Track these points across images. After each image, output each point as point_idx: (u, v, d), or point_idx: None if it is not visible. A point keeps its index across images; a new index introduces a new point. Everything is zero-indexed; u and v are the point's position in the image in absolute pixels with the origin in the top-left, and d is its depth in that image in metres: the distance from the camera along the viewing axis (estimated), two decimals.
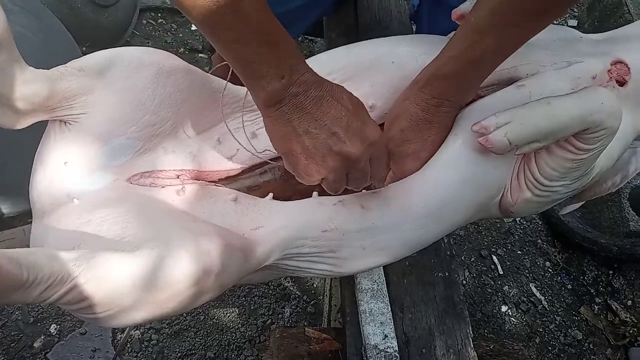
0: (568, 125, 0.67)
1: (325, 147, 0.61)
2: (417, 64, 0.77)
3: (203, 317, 1.47)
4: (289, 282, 1.58)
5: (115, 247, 0.56)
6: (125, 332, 1.37)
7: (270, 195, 0.76)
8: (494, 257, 1.77)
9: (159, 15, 2.06)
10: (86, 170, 0.68)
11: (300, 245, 0.71)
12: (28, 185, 0.71)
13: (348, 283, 0.92)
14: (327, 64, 0.81)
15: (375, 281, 0.89)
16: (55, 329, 1.37)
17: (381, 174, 0.70)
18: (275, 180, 0.81)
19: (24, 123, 0.65)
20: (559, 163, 0.72)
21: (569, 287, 1.78)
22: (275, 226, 0.71)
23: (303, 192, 0.80)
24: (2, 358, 1.29)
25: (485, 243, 1.79)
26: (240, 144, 0.77)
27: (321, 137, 0.61)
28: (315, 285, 1.58)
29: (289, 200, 0.77)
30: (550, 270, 1.80)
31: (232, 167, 0.79)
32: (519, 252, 1.81)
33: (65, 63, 0.68)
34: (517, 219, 1.87)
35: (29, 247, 0.61)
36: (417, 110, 0.72)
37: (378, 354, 0.82)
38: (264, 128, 0.66)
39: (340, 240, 0.71)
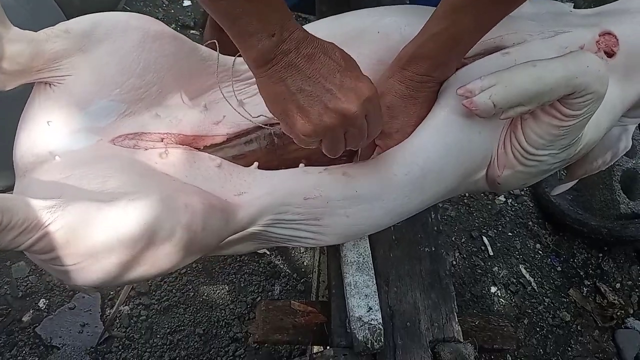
0: (553, 88, 0.66)
1: (320, 105, 0.60)
2: (402, 35, 0.77)
3: (192, 293, 1.47)
4: (279, 259, 1.58)
5: (93, 198, 0.57)
6: (115, 307, 1.37)
7: (256, 164, 0.76)
8: (485, 238, 1.77)
9: None
10: (69, 130, 0.69)
11: (284, 211, 0.71)
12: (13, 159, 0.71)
13: (334, 256, 0.92)
14: (314, 33, 0.80)
15: (361, 254, 0.88)
16: (44, 304, 1.37)
17: (378, 131, 0.68)
18: (260, 150, 0.80)
19: (9, 84, 0.66)
20: (545, 130, 0.72)
21: (559, 269, 1.79)
22: (258, 193, 0.71)
23: (289, 163, 0.80)
24: None
25: (476, 224, 1.80)
26: (231, 105, 0.76)
27: (316, 94, 0.60)
28: (305, 264, 1.59)
29: (274, 167, 0.77)
30: (541, 252, 1.80)
31: (217, 133, 0.79)
32: (509, 233, 1.81)
33: None
34: (509, 200, 1.87)
35: None
36: (402, 88, 0.72)
37: (362, 326, 0.82)
38: (255, 95, 0.66)
39: (324, 208, 0.71)
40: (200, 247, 0.63)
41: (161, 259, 0.60)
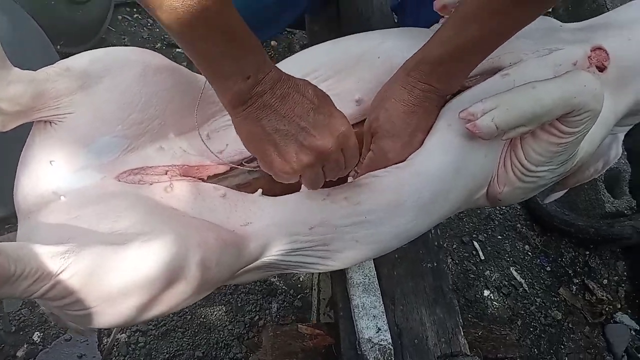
0: (553, 108, 0.68)
1: (296, 143, 0.62)
2: (403, 58, 0.78)
3: (190, 316, 1.45)
4: (274, 277, 1.57)
5: (105, 241, 0.56)
6: (112, 336, 1.34)
7: (259, 191, 0.76)
8: (475, 243, 1.80)
9: (135, 10, 2.01)
10: (72, 168, 0.68)
11: (293, 240, 0.71)
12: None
13: (339, 278, 0.93)
14: (313, 59, 0.81)
15: (366, 275, 0.89)
16: (38, 337, 1.34)
17: (355, 162, 0.69)
18: (264, 177, 0.80)
19: (9, 125, 0.65)
20: (544, 147, 0.74)
21: (548, 269, 1.82)
22: (265, 222, 0.71)
23: (293, 187, 0.80)
24: None
25: (467, 229, 1.82)
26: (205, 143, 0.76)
27: (291, 133, 0.61)
28: (301, 279, 1.58)
29: (279, 195, 0.77)
30: (530, 254, 1.84)
31: (221, 162, 0.79)
32: (499, 237, 1.84)
33: (39, 62, 0.67)
34: None
35: None
36: (404, 93, 0.72)
37: (372, 347, 0.83)
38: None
39: (332, 234, 0.72)
40: (214, 283, 0.63)
41: (176, 297, 0.59)
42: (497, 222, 1.87)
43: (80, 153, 0.68)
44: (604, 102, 0.72)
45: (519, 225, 1.89)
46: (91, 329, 0.65)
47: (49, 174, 0.67)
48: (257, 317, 1.49)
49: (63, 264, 0.51)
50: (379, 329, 0.84)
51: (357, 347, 0.84)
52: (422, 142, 0.74)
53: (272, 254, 0.71)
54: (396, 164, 0.74)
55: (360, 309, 0.86)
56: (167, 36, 1.99)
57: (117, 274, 0.54)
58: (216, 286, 0.66)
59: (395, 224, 0.72)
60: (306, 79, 0.78)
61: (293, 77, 0.62)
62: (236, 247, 0.66)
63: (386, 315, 0.87)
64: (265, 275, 0.80)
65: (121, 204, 0.65)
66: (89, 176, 0.69)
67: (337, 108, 0.65)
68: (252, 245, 0.68)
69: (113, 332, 1.35)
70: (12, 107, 0.61)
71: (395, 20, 1.32)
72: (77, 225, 0.62)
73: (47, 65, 0.66)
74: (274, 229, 0.70)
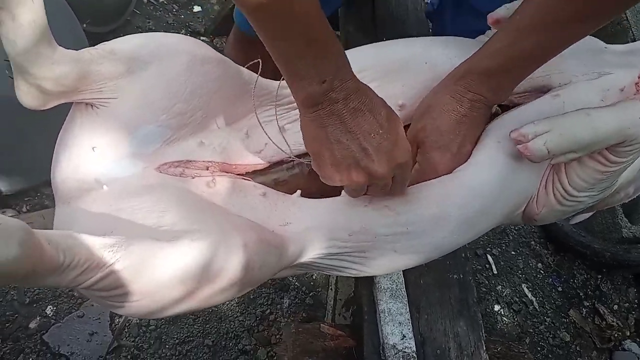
0: (606, 138, 0.68)
1: (352, 160, 0.62)
2: (450, 66, 0.77)
3: None
4: None
5: (152, 236, 0.56)
6: (123, 317, 1.35)
7: (299, 192, 0.76)
8: (489, 257, 1.79)
9: None
10: (115, 157, 0.66)
11: (331, 245, 0.71)
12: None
13: (366, 281, 0.93)
14: (358, 61, 0.79)
15: (394, 281, 0.89)
16: (51, 311, 1.34)
17: (401, 192, 0.70)
18: (302, 175, 0.80)
19: (49, 104, 0.63)
20: (589, 174, 0.74)
21: (559, 289, 1.82)
22: (305, 224, 0.71)
23: (329, 189, 0.80)
24: None
25: (481, 242, 1.82)
26: (270, 140, 0.76)
27: (351, 149, 0.61)
28: (314, 277, 1.58)
29: (317, 195, 0.76)
30: (542, 272, 1.83)
31: (259, 161, 0.78)
32: (512, 252, 1.84)
33: (66, 39, 0.65)
34: None
35: None
36: (452, 102, 0.72)
37: (396, 353, 0.82)
38: (296, 123, 0.65)
39: (372, 242, 0.71)
40: (255, 282, 0.63)
41: (217, 295, 0.59)
42: (511, 238, 1.86)
43: (124, 141, 0.66)
44: None
45: (533, 242, 1.88)
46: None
47: (91, 160, 0.65)
48: (268, 310, 1.49)
49: (112, 257, 0.50)
50: (404, 336, 0.84)
51: (381, 352, 0.84)
52: (470, 154, 0.74)
53: (309, 256, 0.70)
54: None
55: (387, 315, 0.86)
56: (192, 23, 1.99)
57: (164, 270, 0.53)
58: (255, 286, 0.66)
59: (437, 236, 0.72)
60: None
61: (371, 91, 0.62)
62: (278, 249, 0.66)
63: (411, 323, 0.87)
64: (295, 273, 0.80)
65: (167, 198, 0.64)
66: (132, 165, 0.67)
67: (404, 136, 0.64)
68: (292, 247, 0.68)
69: None
70: (55, 87, 0.60)
71: (430, 26, 1.31)
72: (120, 216, 0.61)
73: (73, 43, 0.64)
74: (313, 232, 0.70)
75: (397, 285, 0.89)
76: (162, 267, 0.53)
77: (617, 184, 0.81)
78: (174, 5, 2.03)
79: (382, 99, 0.64)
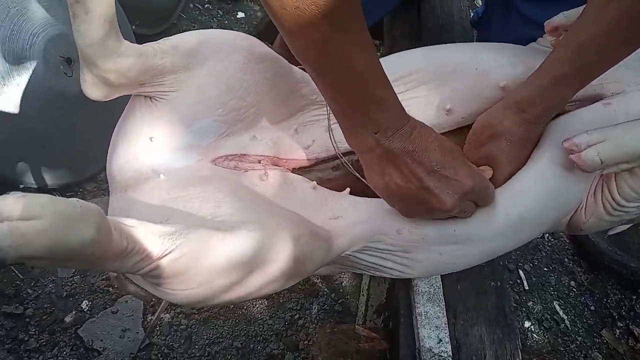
0: None
1: (414, 201, 0.64)
2: (501, 73, 0.78)
3: (232, 306, 1.47)
4: (317, 278, 1.58)
5: (209, 225, 0.57)
6: (156, 314, 1.37)
7: (348, 189, 0.77)
8: (521, 272, 1.77)
9: (206, 0, 2.06)
10: (172, 147, 0.69)
11: (377, 240, 0.71)
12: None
13: (404, 285, 0.93)
14: (411, 62, 0.81)
15: (432, 285, 0.89)
16: (87, 305, 1.37)
17: (469, 215, 0.71)
18: (347, 175, 0.81)
19: (111, 96, 0.65)
20: None
21: (592, 308, 1.77)
22: (355, 219, 0.71)
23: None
24: (34, 330, 1.29)
25: (513, 257, 1.79)
26: (332, 137, 0.77)
27: (412, 191, 0.63)
28: (343, 284, 1.58)
29: (362, 194, 0.77)
30: (575, 290, 1.79)
31: (307, 156, 0.80)
32: (545, 269, 1.81)
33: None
34: (546, 236, 1.87)
35: None
36: (520, 131, 0.72)
37: (432, 357, 0.82)
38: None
39: (418, 243, 0.71)
40: (302, 275, 0.64)
41: (267, 286, 0.60)
42: (544, 254, 1.84)
43: (181, 133, 0.69)
44: None
45: (566, 259, 1.85)
46: (150, 295, 0.65)
47: (148, 150, 0.67)
48: (297, 315, 1.50)
49: (172, 245, 0.52)
50: (441, 340, 0.84)
51: (417, 355, 0.84)
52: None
53: (355, 250, 0.71)
54: None
55: (424, 318, 0.85)
56: (235, 29, 2.03)
57: (222, 259, 0.54)
58: (302, 278, 0.67)
59: (482, 241, 0.72)
60: (400, 81, 0.79)
61: (425, 129, 0.63)
62: (327, 243, 0.66)
63: (447, 328, 0.86)
64: (337, 270, 0.81)
65: (222, 189, 0.65)
66: (188, 157, 0.69)
67: (465, 162, 0.66)
68: (340, 240, 0.69)
69: (157, 311, 1.37)
70: (118, 80, 0.62)
71: (475, 35, 1.32)
72: (177, 206, 0.62)
73: None
74: (363, 226, 0.71)
75: (434, 289, 0.88)
76: (220, 256, 0.54)
77: None
78: (219, 10, 2.09)
79: (436, 132, 0.64)
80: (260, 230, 0.57)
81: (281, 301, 1.51)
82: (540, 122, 0.72)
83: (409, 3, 1.27)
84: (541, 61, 0.71)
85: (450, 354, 0.83)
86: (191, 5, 2.02)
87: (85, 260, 0.45)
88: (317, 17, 0.49)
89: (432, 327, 0.85)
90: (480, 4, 1.30)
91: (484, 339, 0.89)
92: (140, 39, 1.49)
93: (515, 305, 0.94)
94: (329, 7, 0.49)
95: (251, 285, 0.58)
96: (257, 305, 1.49)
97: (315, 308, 1.52)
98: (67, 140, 1.34)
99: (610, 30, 0.62)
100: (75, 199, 0.44)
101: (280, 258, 0.58)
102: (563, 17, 0.77)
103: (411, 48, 0.86)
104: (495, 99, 0.77)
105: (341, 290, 1.57)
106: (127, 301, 1.39)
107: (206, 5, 2.05)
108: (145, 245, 0.50)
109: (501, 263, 0.98)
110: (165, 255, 0.52)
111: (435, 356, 0.82)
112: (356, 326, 0.93)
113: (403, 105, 0.61)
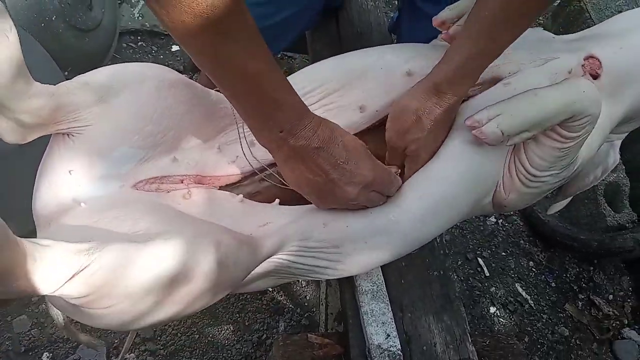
0: (555, 114, 0.72)
1: (322, 192, 0.70)
2: (404, 68, 0.81)
3: (198, 335, 1.46)
4: (281, 295, 1.58)
5: (126, 239, 0.57)
6: (120, 356, 1.34)
7: (277, 200, 0.79)
8: (480, 260, 1.81)
9: (139, 38, 2.07)
10: (91, 178, 0.70)
11: (306, 237, 0.74)
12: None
13: (348, 286, 0.94)
14: (319, 74, 0.84)
15: (374, 282, 0.91)
16: (47, 357, 1.34)
17: (380, 203, 0.75)
18: (275, 186, 0.83)
19: (28, 137, 0.66)
20: (547, 152, 0.77)
21: (553, 285, 1.83)
22: (283, 221, 0.75)
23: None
24: None
25: (471, 246, 1.84)
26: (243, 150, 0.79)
27: (319, 183, 0.68)
28: (307, 297, 1.59)
29: (293, 202, 0.79)
30: (534, 270, 1.84)
31: (232, 173, 0.81)
32: (503, 253, 1.85)
33: None
34: (499, 221, 1.92)
35: None
36: (440, 112, 0.73)
37: (382, 353, 0.83)
38: None
39: (343, 233, 0.74)
40: (231, 282, 0.65)
41: (195, 297, 0.61)
42: (500, 239, 1.89)
43: (100, 163, 0.70)
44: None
45: (522, 241, 1.90)
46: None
47: (68, 182, 0.68)
48: (264, 335, 1.50)
49: (87, 260, 0.51)
50: (388, 335, 0.85)
51: (367, 354, 0.85)
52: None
53: (285, 252, 0.73)
54: None
55: (370, 316, 0.87)
56: (170, 63, 2.05)
57: (140, 270, 0.54)
58: (232, 287, 0.68)
59: (402, 227, 0.74)
60: (314, 92, 0.82)
61: (329, 125, 0.67)
62: (252, 246, 0.68)
63: (395, 322, 0.88)
64: (277, 282, 0.82)
65: (141, 208, 0.67)
66: (108, 185, 0.71)
67: (368, 156, 0.70)
68: (268, 242, 0.71)
69: (122, 352, 1.35)
70: (33, 120, 0.63)
71: (394, 39, 1.37)
72: (97, 227, 0.63)
73: None
74: (291, 225, 0.74)
75: (377, 287, 0.90)
76: (137, 267, 0.54)
77: (578, 162, 0.84)
78: (153, 46, 2.10)
79: (341, 128, 0.69)
80: (178, 237, 0.58)
81: (246, 324, 1.51)
82: (458, 102, 0.75)
83: (327, 16, 1.30)
84: (442, 54, 0.74)
85: (400, 348, 0.84)
86: (124, 44, 2.02)
87: None
88: (203, 29, 0.53)
89: (378, 324, 0.86)
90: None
91: (432, 329, 0.91)
92: None
93: (457, 292, 0.96)
94: (212, 20, 0.52)
95: (176, 295, 0.58)
96: (222, 332, 1.48)
97: (282, 325, 1.53)
98: (21, 187, 1.31)
99: (505, 8, 0.66)
100: None
101: (201, 263, 0.59)
102: (448, 11, 0.82)
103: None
104: (405, 87, 0.80)
105: (306, 304, 1.58)
106: (88, 348, 1.37)
107: (139, 43, 2.06)
108: (61, 263, 0.50)
109: (442, 252, 1.01)
110: (82, 270, 0.51)
111: (385, 352, 0.84)
112: (308, 334, 0.94)
113: (318, 114, 0.66)
